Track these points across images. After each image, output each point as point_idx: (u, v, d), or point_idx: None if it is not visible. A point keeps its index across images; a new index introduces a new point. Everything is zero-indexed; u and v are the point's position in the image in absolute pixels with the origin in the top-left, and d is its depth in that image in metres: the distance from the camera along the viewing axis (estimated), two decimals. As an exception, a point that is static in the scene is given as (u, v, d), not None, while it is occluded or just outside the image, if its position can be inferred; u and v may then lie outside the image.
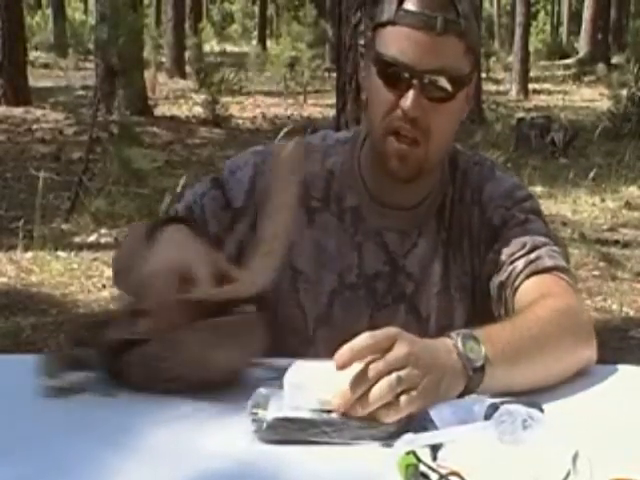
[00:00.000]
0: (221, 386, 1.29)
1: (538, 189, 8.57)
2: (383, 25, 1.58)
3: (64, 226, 6.95)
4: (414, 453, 1.05)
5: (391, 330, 1.23)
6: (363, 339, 1.20)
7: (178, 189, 6.63)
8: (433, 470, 1.04)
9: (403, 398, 1.17)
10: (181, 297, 1.29)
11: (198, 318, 1.26)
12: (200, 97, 13.99)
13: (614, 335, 4.99)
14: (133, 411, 1.27)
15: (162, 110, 13.80)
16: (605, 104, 14.02)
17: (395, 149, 1.59)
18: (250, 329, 1.30)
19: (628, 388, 1.39)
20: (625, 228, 7.53)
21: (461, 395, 1.25)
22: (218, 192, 1.68)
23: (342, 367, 1.18)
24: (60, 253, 6.20)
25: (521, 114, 13.53)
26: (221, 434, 1.20)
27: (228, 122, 13.13)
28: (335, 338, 1.60)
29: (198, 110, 13.59)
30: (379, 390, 1.17)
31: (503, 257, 1.62)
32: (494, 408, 1.12)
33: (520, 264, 1.60)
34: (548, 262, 1.59)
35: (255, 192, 1.67)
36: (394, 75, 1.56)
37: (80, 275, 5.81)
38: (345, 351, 1.19)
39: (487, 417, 1.13)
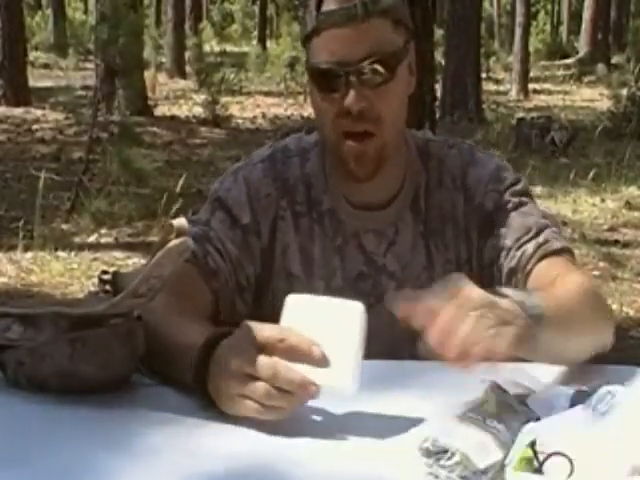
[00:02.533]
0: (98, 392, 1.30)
1: (538, 189, 8.56)
2: (310, 37, 1.57)
3: (64, 226, 6.95)
4: (532, 445, 1.06)
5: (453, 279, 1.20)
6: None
7: (178, 189, 6.62)
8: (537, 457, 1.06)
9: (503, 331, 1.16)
10: (61, 311, 1.31)
11: (71, 331, 1.28)
12: (200, 97, 13.99)
13: (614, 335, 4.99)
14: (130, 412, 1.27)
15: (162, 110, 13.80)
16: (605, 104, 14.01)
17: (350, 148, 1.58)
18: (121, 340, 1.31)
19: (628, 388, 1.38)
20: (625, 228, 7.52)
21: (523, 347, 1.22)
22: (222, 213, 1.66)
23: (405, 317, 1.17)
24: (60, 253, 6.20)
25: (521, 114, 13.53)
26: (220, 435, 1.20)
27: (228, 122, 13.12)
28: None
29: (198, 110, 13.59)
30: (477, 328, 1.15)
31: (508, 242, 1.62)
32: (580, 393, 1.18)
33: (530, 248, 1.60)
34: (557, 244, 1.60)
35: (254, 203, 1.66)
36: (330, 79, 1.55)
37: (80, 275, 5.81)
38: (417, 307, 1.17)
39: (573, 404, 1.17)
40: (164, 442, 1.19)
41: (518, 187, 1.67)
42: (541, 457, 1.06)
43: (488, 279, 1.64)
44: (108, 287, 1.36)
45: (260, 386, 1.16)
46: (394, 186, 1.67)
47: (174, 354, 1.31)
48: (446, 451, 1.07)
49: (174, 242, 1.23)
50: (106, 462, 1.12)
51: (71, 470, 1.10)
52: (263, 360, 1.16)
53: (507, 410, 1.15)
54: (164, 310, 1.39)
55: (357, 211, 1.67)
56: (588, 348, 1.41)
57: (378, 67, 1.54)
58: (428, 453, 1.09)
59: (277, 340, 1.17)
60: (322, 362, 1.16)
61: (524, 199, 1.66)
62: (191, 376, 1.23)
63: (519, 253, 1.60)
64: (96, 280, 1.47)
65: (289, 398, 1.16)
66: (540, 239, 1.60)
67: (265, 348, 1.17)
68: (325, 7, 1.54)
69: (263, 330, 1.19)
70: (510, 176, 1.68)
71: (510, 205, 1.64)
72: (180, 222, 1.25)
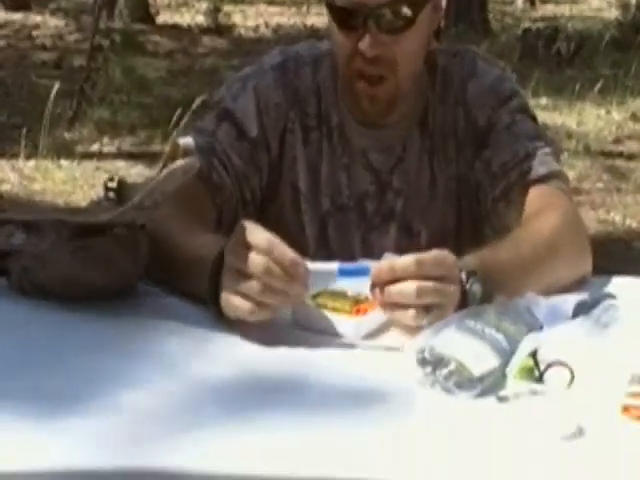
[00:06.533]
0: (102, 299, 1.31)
1: (543, 101, 8.50)
2: None
3: (66, 135, 6.92)
4: (534, 355, 1.08)
5: (442, 256, 1.23)
6: (408, 263, 1.19)
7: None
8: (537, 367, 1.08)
9: (432, 314, 1.19)
10: (64, 219, 1.31)
11: (73, 239, 1.29)
12: (203, 5, 13.80)
13: (617, 247, 5.01)
14: (139, 319, 1.28)
15: (164, 18, 13.62)
16: (613, 13, 13.82)
17: (363, 90, 1.55)
18: (124, 249, 1.32)
19: (630, 299, 1.39)
20: (630, 140, 7.48)
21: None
22: (228, 124, 1.62)
23: (376, 285, 1.19)
24: (63, 162, 6.19)
25: (527, 24, 13.35)
26: (229, 342, 1.21)
27: (231, 31, 12.97)
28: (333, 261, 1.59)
29: (200, 18, 13.43)
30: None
31: (494, 168, 1.59)
32: (582, 304, 1.21)
33: (513, 176, 1.57)
34: (541, 170, 1.56)
35: (263, 115, 1.63)
36: (348, 18, 1.51)
37: (83, 184, 5.81)
38: (385, 269, 1.19)
39: (575, 315, 1.20)
40: (175, 348, 1.20)
41: (513, 103, 1.63)
42: (542, 366, 1.07)
43: (472, 197, 1.63)
44: (112, 195, 1.36)
45: (252, 283, 1.16)
46: (402, 109, 1.63)
47: (185, 266, 1.31)
48: (442, 360, 1.09)
49: (180, 162, 1.24)
50: (115, 367, 1.13)
51: (79, 375, 1.11)
52: (255, 257, 1.16)
53: (507, 320, 1.15)
54: (171, 221, 1.38)
55: (365, 129, 1.65)
56: (554, 287, 1.36)
57: (398, 13, 1.50)
58: (425, 362, 1.10)
59: (263, 251, 1.17)
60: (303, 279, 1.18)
61: (518, 116, 1.62)
62: (205, 289, 1.24)
63: (504, 181, 1.57)
64: (99, 189, 1.47)
65: (281, 295, 1.18)
66: (525, 166, 1.56)
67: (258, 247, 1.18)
68: None
69: (255, 234, 1.19)
70: (507, 90, 1.64)
71: (502, 124, 1.60)
72: (186, 141, 1.26)
